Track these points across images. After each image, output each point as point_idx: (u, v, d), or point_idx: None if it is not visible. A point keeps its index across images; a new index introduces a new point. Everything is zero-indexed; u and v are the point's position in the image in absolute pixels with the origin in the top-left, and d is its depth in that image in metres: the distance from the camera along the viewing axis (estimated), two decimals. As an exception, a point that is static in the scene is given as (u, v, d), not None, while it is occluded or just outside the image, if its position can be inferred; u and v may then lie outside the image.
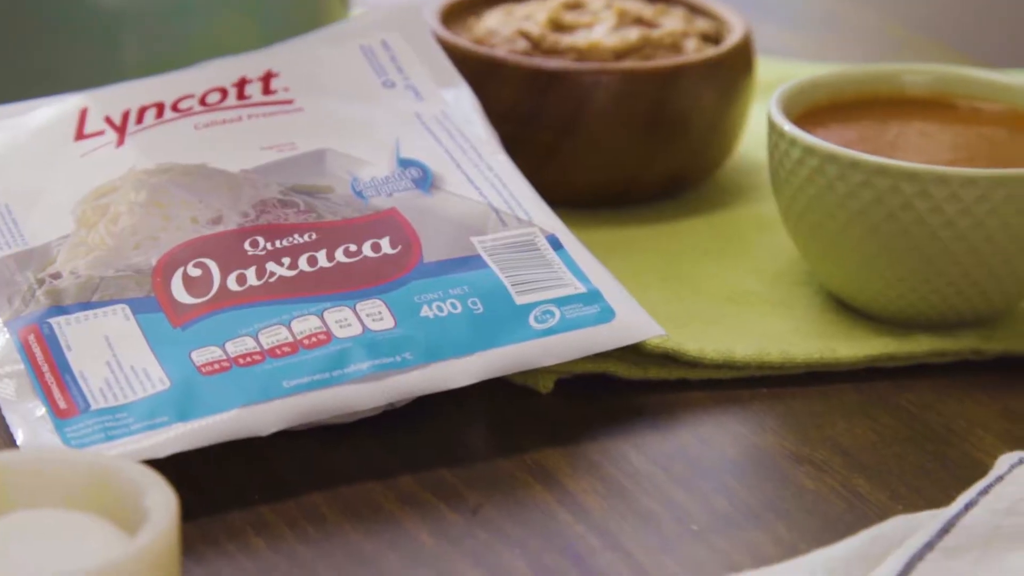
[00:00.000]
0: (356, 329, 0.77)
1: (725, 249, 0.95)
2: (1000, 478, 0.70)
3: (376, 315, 0.78)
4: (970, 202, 0.81)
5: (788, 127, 0.86)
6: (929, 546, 0.66)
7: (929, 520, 0.69)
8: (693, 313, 0.88)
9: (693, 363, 0.84)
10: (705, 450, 0.79)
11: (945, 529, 0.67)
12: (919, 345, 0.85)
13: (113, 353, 0.76)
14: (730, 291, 0.91)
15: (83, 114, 0.86)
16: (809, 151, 0.84)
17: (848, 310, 0.88)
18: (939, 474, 0.77)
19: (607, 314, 0.80)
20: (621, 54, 0.98)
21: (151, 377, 0.75)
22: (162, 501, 0.63)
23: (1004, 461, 0.72)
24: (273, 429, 0.74)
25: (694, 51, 0.98)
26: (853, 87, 0.92)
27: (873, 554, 0.67)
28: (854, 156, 0.83)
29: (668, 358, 0.84)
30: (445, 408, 0.81)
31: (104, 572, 0.60)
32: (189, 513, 0.73)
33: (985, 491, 0.69)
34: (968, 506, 0.68)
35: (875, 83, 0.92)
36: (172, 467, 0.74)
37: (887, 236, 0.83)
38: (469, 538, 0.72)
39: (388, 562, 0.71)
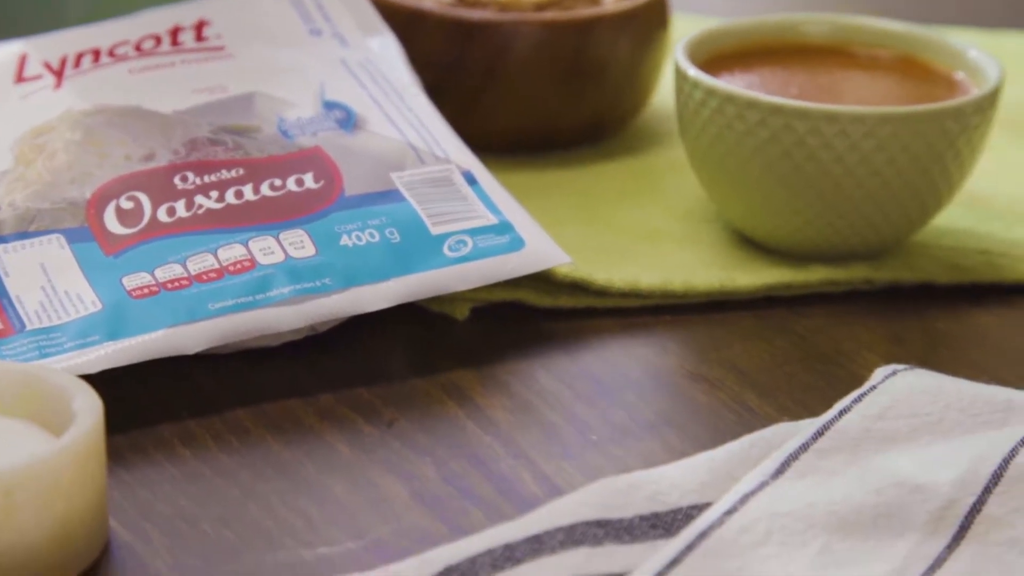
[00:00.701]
0: (279, 256, 0.82)
1: (639, 191, 1.00)
2: (874, 388, 0.75)
3: (298, 244, 0.83)
4: (858, 138, 0.87)
5: (692, 71, 0.91)
6: (804, 447, 0.71)
7: (807, 426, 0.74)
8: (604, 248, 0.93)
9: (601, 292, 0.89)
10: (609, 370, 0.84)
11: (820, 432, 0.72)
12: (814, 275, 0.90)
13: (48, 279, 0.80)
14: (641, 228, 0.96)
15: (23, 59, 0.91)
16: (710, 92, 0.89)
17: (749, 244, 0.93)
18: (825, 391, 0.82)
19: (517, 243, 0.85)
20: (542, 6, 1.02)
21: (84, 300, 0.79)
22: (88, 405, 0.68)
23: (879, 374, 0.77)
24: (199, 348, 0.79)
25: (611, 3, 1.03)
26: (757, 36, 0.97)
27: (753, 456, 0.72)
28: (750, 96, 0.88)
29: (577, 287, 0.89)
30: (366, 334, 0.86)
31: (31, 467, 0.65)
32: (119, 427, 0.77)
33: (859, 399, 0.74)
34: (842, 412, 0.74)
35: (778, 32, 0.97)
36: (105, 385, 0.78)
37: (783, 172, 0.88)
38: (383, 448, 0.77)
39: (306, 469, 0.76)
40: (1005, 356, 0.86)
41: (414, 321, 0.88)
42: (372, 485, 0.74)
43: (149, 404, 0.80)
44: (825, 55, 0.96)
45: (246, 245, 0.82)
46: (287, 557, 0.70)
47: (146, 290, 0.80)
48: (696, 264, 0.92)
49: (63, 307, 0.79)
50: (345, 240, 0.83)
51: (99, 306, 0.79)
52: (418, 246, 0.84)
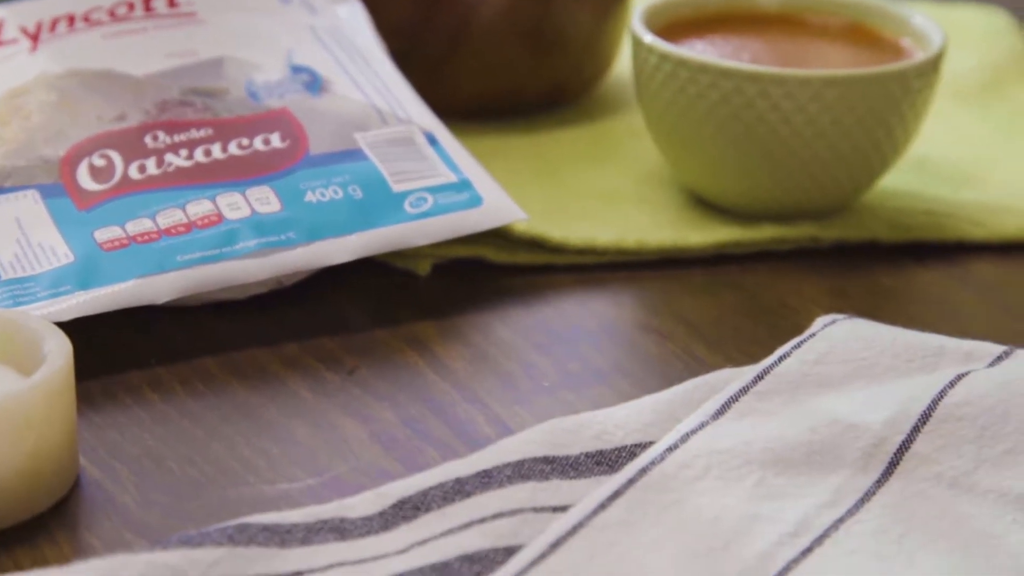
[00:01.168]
0: (245, 212, 0.85)
1: (598, 155, 1.03)
2: (813, 335, 0.79)
3: (264, 200, 0.86)
4: (804, 101, 0.90)
5: (647, 37, 0.94)
6: (744, 390, 0.75)
7: (749, 371, 0.77)
8: (562, 207, 0.96)
9: (558, 249, 0.92)
10: (564, 322, 0.87)
11: (760, 376, 0.76)
12: (762, 233, 0.93)
13: (23, 232, 0.83)
14: (598, 190, 0.99)
15: (0, 25, 0.94)
16: (664, 57, 0.93)
17: (702, 204, 0.97)
18: (770, 342, 0.85)
19: (475, 200, 0.88)
20: (506, -24, 1.06)
21: (57, 253, 0.83)
22: (58, 347, 0.71)
23: (819, 322, 0.80)
24: (167, 298, 0.82)
25: (573, -26, 1.07)
26: (712, 5, 1.00)
27: (696, 398, 0.76)
28: (702, 60, 0.91)
29: (535, 244, 0.92)
30: (331, 289, 0.90)
31: (1, 404, 0.68)
32: (91, 373, 0.81)
33: (798, 346, 0.78)
34: (781, 358, 0.77)
35: (732, 1, 1.00)
36: (77, 333, 0.82)
37: (733, 134, 0.92)
38: (344, 394, 0.81)
39: (269, 412, 0.79)
40: (944, 311, 0.89)
41: (378, 277, 0.91)
42: (332, 427, 0.78)
43: (120, 352, 0.83)
44: (778, 24, 0.99)
45: (213, 201, 0.85)
46: (249, 492, 0.73)
47: (117, 243, 0.83)
48: (650, 223, 0.95)
49: (37, 259, 0.82)
50: (310, 196, 0.86)
51: (71, 258, 0.82)
52: (380, 202, 0.87)
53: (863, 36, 0.98)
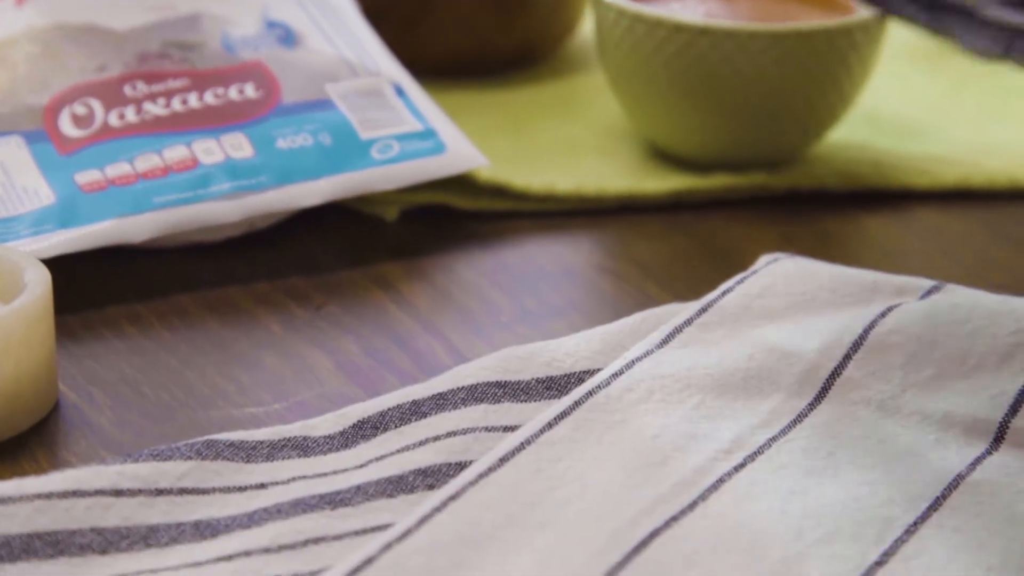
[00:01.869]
0: (219, 157, 0.89)
1: (562, 110, 1.08)
2: (756, 271, 0.83)
3: (238, 146, 0.90)
4: (755, 53, 0.94)
5: None
6: (688, 322, 0.79)
7: (694, 305, 0.81)
8: (526, 158, 1.01)
9: (520, 196, 0.96)
10: (525, 264, 0.92)
11: (703, 309, 0.80)
12: (716, 182, 0.97)
13: (7, 175, 0.88)
14: (561, 142, 1.03)
15: (-13, -20, 0.98)
16: (621, 13, 0.97)
17: (659, 155, 1.01)
18: (719, 282, 0.90)
19: (439, 148, 0.92)
20: (475, -61, 1.10)
21: (39, 194, 0.87)
22: (38, 277, 0.76)
23: (763, 260, 0.85)
24: (144, 237, 0.86)
25: (540, -63, 1.11)
26: None
27: (643, 330, 0.80)
28: (657, 15, 0.95)
29: (499, 192, 0.96)
30: (304, 233, 0.94)
31: (-14, 327, 0.72)
32: (71, 308, 0.85)
33: (741, 281, 0.82)
34: (725, 292, 0.81)
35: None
36: (60, 272, 0.86)
37: (687, 86, 0.96)
38: (312, 328, 0.85)
39: (240, 344, 0.83)
40: (887, 255, 0.93)
41: (348, 222, 0.95)
42: (299, 357, 0.82)
43: (100, 289, 0.87)
44: (735, -17, 1.03)
45: (189, 146, 0.89)
46: (219, 415, 0.77)
47: (96, 185, 0.87)
48: (610, 172, 0.99)
49: (20, 200, 0.87)
50: (281, 143, 0.90)
51: (53, 199, 0.86)
52: (348, 149, 0.91)
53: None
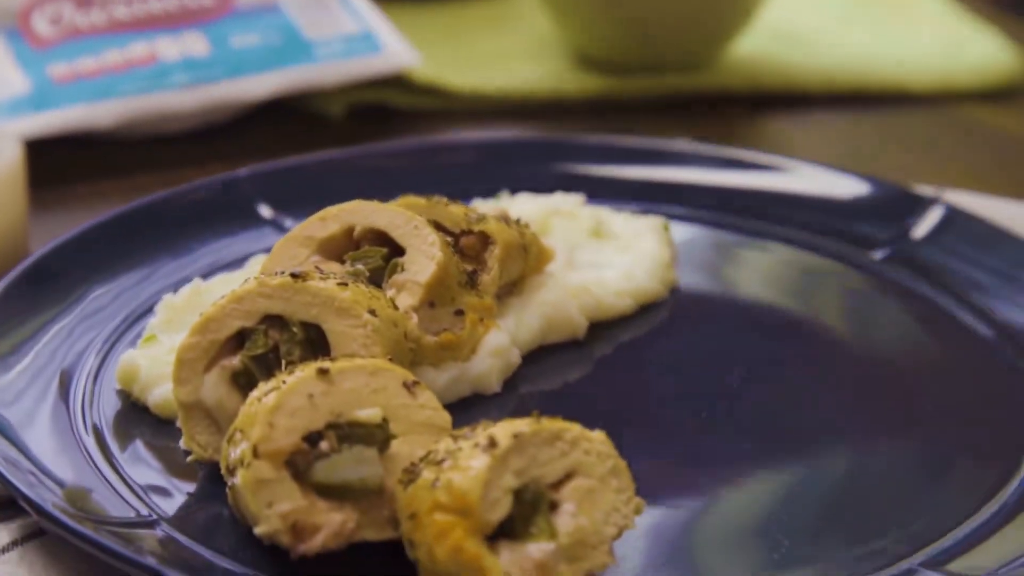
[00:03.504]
0: (177, 53, 0.99)
1: (497, 24, 1.18)
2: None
3: (194, 44, 1.00)
4: None
5: None
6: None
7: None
8: (465, 62, 1.10)
9: (454, 95, 1.06)
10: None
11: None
12: (633, 84, 1.07)
13: (-14, 68, 0.98)
14: (496, 50, 1.13)
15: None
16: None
17: (586, 62, 1.11)
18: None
19: (376, 47, 1.02)
20: None
21: (14, 84, 0.97)
22: (10, 147, 0.85)
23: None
24: (110, 122, 0.96)
25: None
26: None
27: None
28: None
29: (434, 91, 1.06)
30: (256, 128, 1.03)
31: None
32: (45, 185, 0.94)
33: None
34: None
35: None
36: (35, 156, 0.96)
37: (607, -3, 1.04)
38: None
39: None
40: (787, 152, 1.03)
41: (297, 120, 1.05)
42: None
43: (71, 171, 0.97)
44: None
45: (151, 43, 0.99)
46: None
47: (67, 77, 0.97)
48: (537, 78, 1.09)
49: (-2, 89, 0.97)
50: (234, 41, 1.00)
51: (27, 88, 0.96)
52: (294, 48, 1.01)
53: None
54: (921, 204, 0.85)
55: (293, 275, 0.67)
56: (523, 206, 0.83)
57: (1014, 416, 0.72)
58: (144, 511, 0.65)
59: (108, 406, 0.72)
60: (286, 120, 1.04)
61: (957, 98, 1.10)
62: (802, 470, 0.69)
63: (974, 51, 1.14)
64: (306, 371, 0.64)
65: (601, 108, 1.08)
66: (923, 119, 1.07)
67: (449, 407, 0.66)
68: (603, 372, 0.76)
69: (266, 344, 0.67)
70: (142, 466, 0.68)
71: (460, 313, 0.73)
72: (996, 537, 0.64)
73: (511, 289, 0.78)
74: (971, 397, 0.74)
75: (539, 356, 0.77)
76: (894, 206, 0.86)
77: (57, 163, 0.97)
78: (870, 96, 1.09)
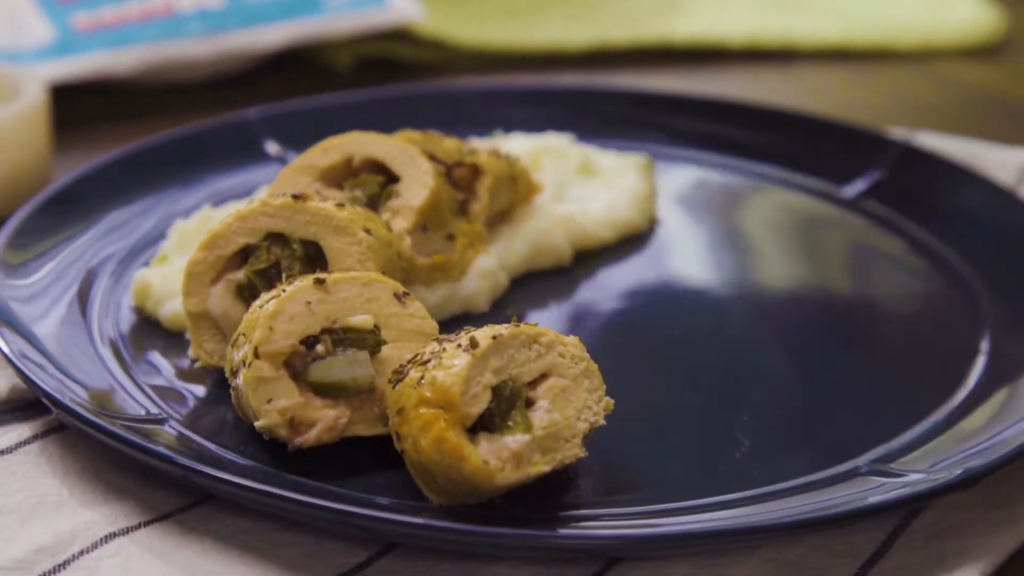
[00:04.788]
0: (193, 4, 1.04)
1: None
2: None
3: (210, -4, 1.06)
4: None
5: None
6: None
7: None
8: (468, 19, 1.16)
9: (457, 48, 1.11)
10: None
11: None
12: (628, 37, 1.12)
13: (14, 16, 1.03)
14: (498, 7, 1.18)
15: None
16: None
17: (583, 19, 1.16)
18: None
19: (382, 1, 1.07)
20: None
21: (39, 33, 1.02)
22: (35, 87, 0.90)
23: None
24: (129, 68, 1.02)
25: None
26: None
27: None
28: None
29: (438, 45, 1.11)
30: (267, 78, 1.09)
31: (-9, 121, 0.87)
32: (69, 128, 1.00)
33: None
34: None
35: None
36: (62, 102, 1.01)
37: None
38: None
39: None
40: (779, 101, 1.08)
41: (307, 71, 1.10)
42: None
43: (94, 116, 1.03)
44: None
45: (168, -3, 1.05)
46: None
47: (88, 26, 1.03)
48: (536, 31, 1.14)
49: (25, 37, 1.02)
50: (247, -5, 1.06)
51: (52, 37, 1.02)
52: (303, 1, 1.06)
53: None
54: (890, 144, 0.90)
55: (294, 196, 0.73)
56: (516, 144, 0.89)
57: (959, 337, 0.77)
58: (155, 411, 0.70)
59: (123, 321, 0.77)
60: (296, 73, 1.09)
61: (939, 56, 1.15)
62: (764, 381, 0.74)
63: (956, 12, 1.19)
64: (304, 281, 0.69)
65: (597, 62, 1.13)
66: (906, 75, 1.13)
67: (440, 325, 0.71)
68: (585, 294, 0.82)
69: (268, 260, 0.72)
70: (154, 373, 0.73)
71: (451, 238, 0.79)
72: (934, 442, 0.69)
73: (501, 218, 0.83)
74: (923, 321, 0.79)
75: (526, 281, 0.83)
76: (864, 145, 0.91)
77: (79, 109, 1.03)
78: (857, 54, 1.14)
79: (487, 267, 0.80)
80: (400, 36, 1.11)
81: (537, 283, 0.83)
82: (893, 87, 1.11)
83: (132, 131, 1.01)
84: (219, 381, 0.73)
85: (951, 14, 1.18)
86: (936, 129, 1.00)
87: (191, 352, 0.73)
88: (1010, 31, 1.20)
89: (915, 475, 0.66)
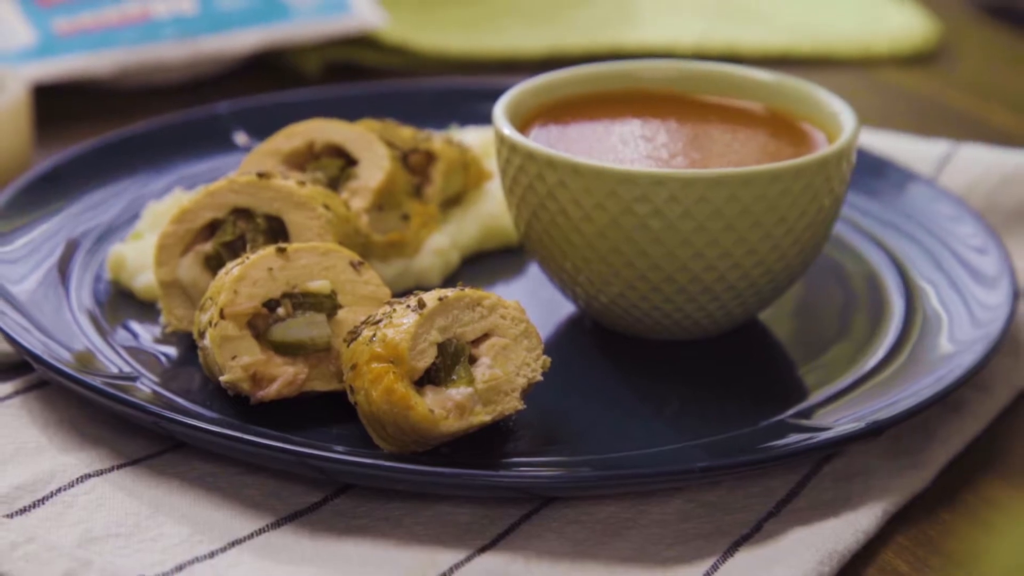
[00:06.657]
0: (168, 11, 1.10)
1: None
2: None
3: (183, 1, 1.11)
4: (690, 204, 0.76)
5: (507, 130, 0.81)
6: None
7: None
8: (430, 27, 1.22)
9: (420, 55, 1.17)
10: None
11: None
12: (582, 43, 1.19)
13: (-2, 21, 1.10)
14: (460, 17, 1.24)
15: None
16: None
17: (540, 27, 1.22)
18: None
19: (347, 8, 1.13)
20: None
21: (21, 36, 1.08)
22: (16, 83, 0.96)
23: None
24: (107, 70, 1.08)
25: None
26: (588, 85, 0.90)
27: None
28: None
29: (401, 51, 1.17)
30: (239, 81, 1.15)
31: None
32: (50, 125, 1.06)
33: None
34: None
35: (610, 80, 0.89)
36: (43, 101, 1.07)
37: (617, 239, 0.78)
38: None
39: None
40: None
41: (276, 75, 1.16)
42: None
43: (74, 114, 1.09)
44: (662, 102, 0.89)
45: (144, 2, 1.11)
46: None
47: (68, 29, 1.08)
48: (499, 38, 1.21)
49: (6, 40, 1.08)
50: (218, 1, 1.11)
51: (34, 39, 1.08)
52: (272, 8, 1.12)
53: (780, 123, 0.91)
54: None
55: (259, 174, 0.79)
56: (469, 136, 0.95)
57: (873, 309, 0.84)
58: (127, 370, 0.76)
59: (100, 293, 0.83)
60: (266, 77, 1.15)
61: (877, 63, 1.21)
62: (697, 347, 0.80)
63: (892, 22, 1.25)
64: (267, 250, 0.75)
65: (551, 66, 1.19)
66: (846, 81, 1.19)
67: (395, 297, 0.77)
68: (531, 271, 0.87)
69: (234, 233, 0.78)
70: (128, 337, 0.79)
71: (406, 218, 0.85)
72: (845, 400, 0.76)
73: (454, 202, 0.89)
74: (845, 296, 0.85)
75: (476, 260, 0.89)
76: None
77: (60, 108, 1.09)
78: (799, 61, 1.21)
79: (440, 245, 0.86)
80: (365, 42, 1.17)
81: (486, 261, 0.89)
82: (834, 92, 1.17)
83: (110, 129, 1.06)
84: (189, 345, 0.79)
85: (888, 24, 1.25)
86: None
87: (162, 319, 0.79)
88: (942, 40, 1.26)
89: (828, 428, 0.72)
